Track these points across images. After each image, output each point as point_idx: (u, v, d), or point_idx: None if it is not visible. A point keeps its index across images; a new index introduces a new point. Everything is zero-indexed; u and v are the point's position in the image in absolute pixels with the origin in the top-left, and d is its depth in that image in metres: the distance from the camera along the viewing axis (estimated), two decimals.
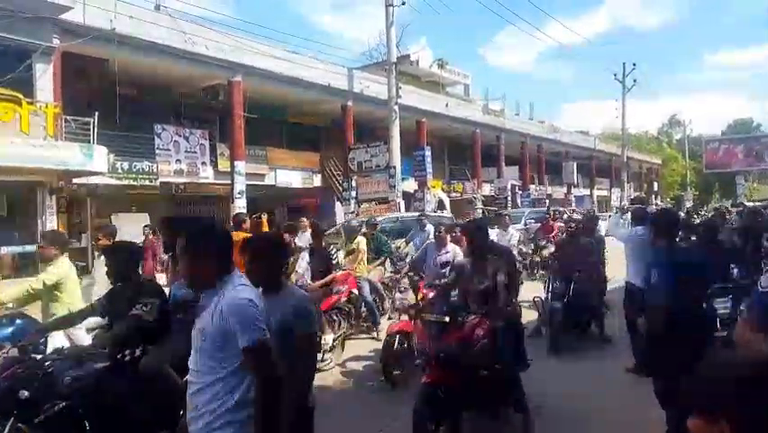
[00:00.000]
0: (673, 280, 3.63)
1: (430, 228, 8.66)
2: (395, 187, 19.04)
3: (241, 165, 17.62)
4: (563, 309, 6.48)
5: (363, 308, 7.62)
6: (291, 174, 20.70)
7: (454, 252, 6.71)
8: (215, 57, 16.41)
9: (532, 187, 33.44)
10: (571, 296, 6.59)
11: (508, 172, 31.61)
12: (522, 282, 6.94)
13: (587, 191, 40.95)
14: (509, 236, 10.84)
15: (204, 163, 17.77)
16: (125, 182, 15.70)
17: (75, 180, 13.92)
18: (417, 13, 77.56)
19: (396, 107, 19.02)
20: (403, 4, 19.02)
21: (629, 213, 14.61)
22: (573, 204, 36.11)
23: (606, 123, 55.06)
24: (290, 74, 18.55)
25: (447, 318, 4.18)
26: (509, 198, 29.76)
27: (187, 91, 18.49)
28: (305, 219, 9.89)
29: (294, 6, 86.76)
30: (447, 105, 26.75)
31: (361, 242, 8.10)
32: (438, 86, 30.52)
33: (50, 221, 13.00)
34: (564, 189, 37.91)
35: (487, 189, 30.21)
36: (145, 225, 12.94)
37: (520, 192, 31.33)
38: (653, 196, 49.06)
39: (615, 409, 4.75)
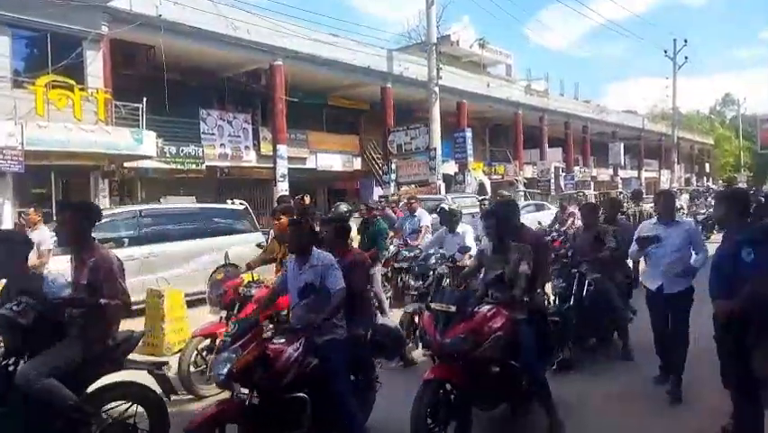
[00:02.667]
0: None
1: (421, 214, 8.15)
2: (435, 169, 18.94)
3: (283, 149, 17.85)
4: (574, 315, 5.21)
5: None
6: (332, 157, 20.84)
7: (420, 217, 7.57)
8: (257, 41, 16.59)
9: (576, 169, 32.65)
10: (585, 297, 5.37)
11: (552, 154, 30.93)
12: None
13: (634, 173, 39.68)
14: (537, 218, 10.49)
15: (247, 147, 18.11)
16: (173, 166, 16.15)
17: (126, 164, 14.42)
18: None
19: (436, 89, 18.83)
20: None
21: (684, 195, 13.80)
22: (620, 186, 35.10)
23: (655, 102, 52.89)
24: (330, 57, 18.59)
25: (453, 308, 3.68)
26: (552, 181, 29.16)
27: (230, 76, 18.79)
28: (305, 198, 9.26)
29: None
30: (488, 85, 26.28)
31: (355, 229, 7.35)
32: (479, 66, 30.00)
33: (103, 204, 13.53)
34: (610, 171, 36.86)
35: (529, 172, 29.66)
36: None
37: (564, 174, 30.66)
38: (705, 177, 47.18)
39: None
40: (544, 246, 4.82)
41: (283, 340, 3.51)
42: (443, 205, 7.07)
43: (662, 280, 4.67)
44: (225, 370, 3.08)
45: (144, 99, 14.03)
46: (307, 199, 8.12)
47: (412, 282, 5.91)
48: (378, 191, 20.04)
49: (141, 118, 13.93)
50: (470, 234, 6.48)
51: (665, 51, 34.57)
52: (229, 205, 10.07)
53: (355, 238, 7.17)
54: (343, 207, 7.36)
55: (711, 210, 16.24)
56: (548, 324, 4.46)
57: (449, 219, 6.53)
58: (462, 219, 7.23)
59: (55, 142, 11.58)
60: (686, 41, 34.27)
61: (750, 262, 3.49)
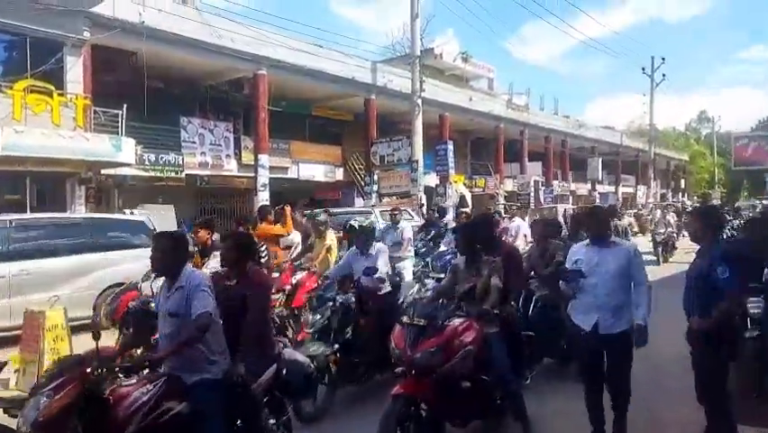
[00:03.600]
0: (741, 274, 3.64)
1: (404, 225, 7.98)
2: (416, 181, 18.99)
3: (264, 158, 17.75)
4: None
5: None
6: (314, 168, 20.79)
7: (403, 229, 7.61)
8: (241, 50, 16.53)
9: (555, 183, 33.04)
10: (533, 315, 5.26)
11: (532, 168, 31.27)
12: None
13: (612, 188, 40.32)
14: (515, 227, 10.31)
15: (228, 156, 17.96)
16: (152, 174, 15.93)
17: (103, 171, 14.19)
18: (443, 5, 77.03)
19: (419, 101, 18.93)
20: None
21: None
22: (598, 200, 35.60)
23: (632, 118, 53.96)
24: (314, 67, 18.60)
25: (423, 322, 3.62)
26: (532, 194, 29.46)
27: (212, 84, 18.69)
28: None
29: None
30: (471, 99, 26.53)
31: (330, 236, 7.09)
32: (461, 79, 30.29)
33: (79, 211, 13.30)
34: (589, 186, 37.40)
35: (509, 185, 29.94)
36: None
37: (543, 188, 30.99)
38: (680, 193, 48.11)
39: None
40: (516, 260, 4.72)
41: (134, 381, 2.93)
42: (351, 222, 5.80)
43: (596, 315, 3.90)
44: (31, 419, 2.55)
45: (124, 106, 13.86)
46: (288, 209, 8.07)
47: (310, 317, 4.98)
48: (360, 202, 20.02)
49: (120, 125, 13.75)
50: (383, 255, 5.58)
51: (643, 69, 35.33)
52: (126, 216, 9.51)
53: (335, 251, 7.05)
54: (323, 216, 7.26)
55: (670, 229, 15.97)
56: (521, 337, 4.43)
57: (360, 238, 5.57)
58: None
59: (31, 148, 11.35)
60: (663, 59, 35.11)
61: (725, 279, 3.56)
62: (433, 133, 23.58)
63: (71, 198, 13.23)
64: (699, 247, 3.91)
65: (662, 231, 15.30)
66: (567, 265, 4.13)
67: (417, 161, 19.12)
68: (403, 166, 19.99)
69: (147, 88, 15.00)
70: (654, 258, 14.55)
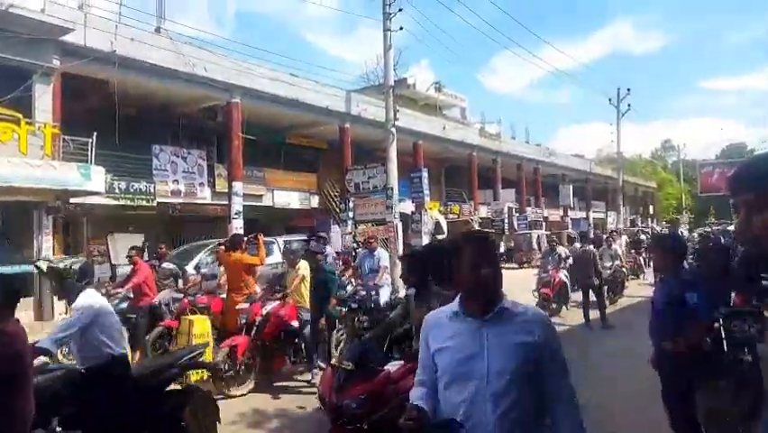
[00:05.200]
0: (710, 299, 3.70)
1: (380, 253, 8.04)
2: (392, 208, 19.01)
3: (238, 186, 17.62)
4: None
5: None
6: (289, 195, 20.71)
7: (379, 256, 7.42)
8: (214, 78, 16.52)
9: (528, 209, 33.51)
10: None
11: (505, 195, 31.71)
12: None
13: (583, 214, 41.08)
14: None
15: (201, 184, 17.77)
16: (122, 202, 15.65)
17: (72, 200, 13.88)
18: (416, 37, 78.65)
19: (393, 130, 19.07)
20: (400, 29, 19.24)
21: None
22: (570, 226, 36.16)
23: (601, 146, 55.40)
24: (288, 96, 18.68)
25: (351, 365, 3.28)
26: (506, 221, 29.80)
27: (185, 112, 18.59)
28: (163, 246, 9.97)
29: (292, 29, 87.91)
30: (444, 127, 26.92)
31: (303, 266, 7.01)
32: (435, 109, 30.77)
33: (46, 241, 12.94)
34: (561, 212, 38.01)
35: (484, 211, 30.25)
36: None
37: (517, 214, 31.39)
38: (649, 219, 49.18)
39: None
40: None
41: None
42: (39, 262, 4.26)
43: None
44: None
45: (94, 134, 13.64)
46: (261, 238, 7.96)
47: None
48: (335, 229, 19.93)
49: (90, 153, 13.52)
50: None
51: (609, 100, 36.37)
52: None
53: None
54: (296, 245, 7.21)
55: (618, 263, 12.88)
56: None
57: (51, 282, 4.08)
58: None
59: None
60: (629, 89, 36.19)
61: (694, 305, 3.63)
62: (407, 160, 23.77)
63: (38, 227, 12.88)
64: (660, 276, 4.00)
65: (608, 265, 11.97)
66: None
67: (392, 189, 19.17)
68: (378, 193, 19.99)
69: (119, 116, 14.82)
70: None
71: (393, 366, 3.54)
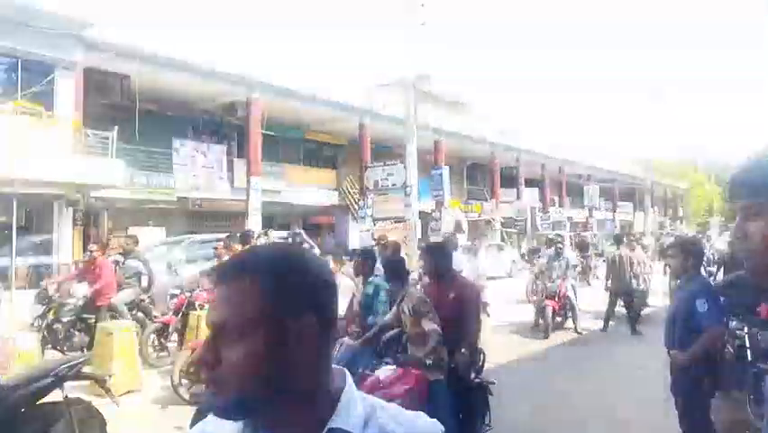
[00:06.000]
0: (719, 309, 3.51)
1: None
2: (411, 206, 18.87)
3: (257, 181, 17.68)
4: None
5: None
6: (308, 191, 20.73)
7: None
8: (234, 74, 16.59)
9: (552, 209, 32.99)
10: None
11: (528, 194, 31.26)
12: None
13: (609, 215, 40.27)
14: (478, 264, 9.73)
15: (221, 179, 17.88)
16: (142, 196, 15.84)
17: (93, 193, 14.08)
18: (441, 33, 78.20)
19: (413, 126, 18.93)
20: (423, 24, 19.04)
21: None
22: (595, 227, 35.51)
23: (631, 145, 54.42)
24: (308, 91, 18.67)
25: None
26: (529, 220, 29.38)
27: (206, 107, 18.72)
28: (130, 241, 8.89)
29: (314, 23, 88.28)
30: (465, 125, 26.65)
31: None
32: (457, 105, 30.46)
33: (67, 233, 13.15)
34: (586, 213, 37.36)
35: (506, 211, 29.89)
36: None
37: (540, 214, 30.93)
38: (679, 221, 48.05)
39: None
40: (470, 299, 4.04)
41: None
42: None
43: None
44: None
45: (115, 128, 13.82)
46: (273, 234, 7.91)
47: None
48: (354, 226, 19.89)
49: (111, 147, 13.69)
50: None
51: (641, 97, 35.56)
52: None
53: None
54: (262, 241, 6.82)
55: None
56: (471, 388, 3.85)
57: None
58: None
59: (19, 170, 11.23)
60: (661, 86, 35.37)
61: (704, 312, 3.46)
62: (428, 158, 23.59)
63: (59, 220, 13.09)
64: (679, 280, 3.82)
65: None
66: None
67: (411, 186, 19.03)
68: (397, 191, 19.90)
69: (139, 111, 15.01)
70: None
71: (383, 372, 3.44)
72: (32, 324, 7.26)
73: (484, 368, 4.13)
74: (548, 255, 10.24)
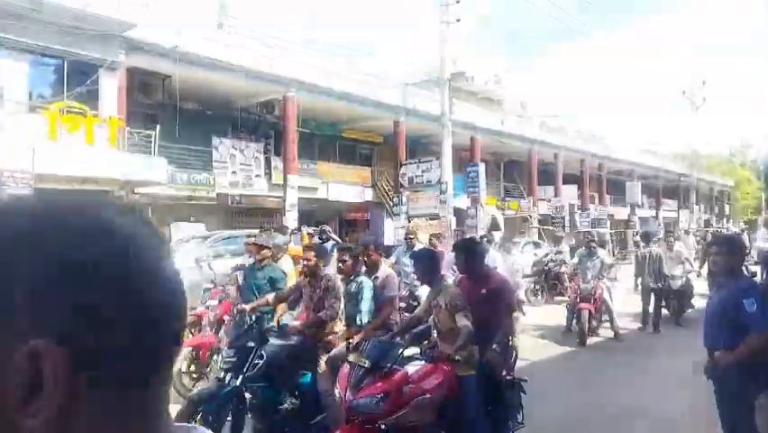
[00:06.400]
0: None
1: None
2: (446, 203, 18.77)
3: (293, 178, 17.90)
4: None
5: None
6: (343, 188, 20.86)
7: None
8: (271, 72, 16.82)
9: (592, 206, 32.27)
10: None
11: (566, 191, 30.63)
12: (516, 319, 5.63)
13: (652, 212, 39.12)
14: (511, 261, 9.18)
15: (258, 176, 18.19)
16: (184, 192, 16.25)
17: (137, 190, 14.52)
18: (478, 28, 77.45)
19: (448, 123, 18.81)
20: (458, 21, 18.88)
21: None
22: (637, 225, 34.57)
23: (675, 141, 52.72)
24: (344, 90, 18.77)
25: (368, 363, 3.19)
26: (567, 218, 28.80)
27: (244, 105, 19.05)
28: None
29: (351, 22, 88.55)
30: (502, 121, 26.32)
31: (287, 261, 6.41)
32: (494, 102, 30.13)
33: None
34: (628, 210, 36.40)
35: (544, 208, 29.39)
36: None
37: (579, 211, 30.29)
38: (725, 219, 46.29)
39: None
40: (503, 294, 3.97)
41: None
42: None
43: None
44: None
45: (157, 126, 14.21)
46: (305, 232, 7.99)
47: None
48: (389, 223, 19.92)
49: (153, 145, 14.08)
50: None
51: (684, 92, 34.42)
52: None
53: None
54: (279, 240, 6.70)
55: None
56: (502, 385, 3.80)
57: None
58: None
59: (66, 167, 11.70)
60: (704, 81, 34.13)
61: (753, 312, 3.33)
62: (464, 154, 23.44)
63: None
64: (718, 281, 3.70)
65: (676, 273, 9.71)
66: None
67: (446, 183, 18.92)
68: (432, 188, 19.83)
69: (180, 109, 15.37)
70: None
71: (413, 366, 3.44)
72: None
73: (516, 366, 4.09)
74: (580, 255, 9.45)
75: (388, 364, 3.24)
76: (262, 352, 3.96)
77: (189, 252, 10.52)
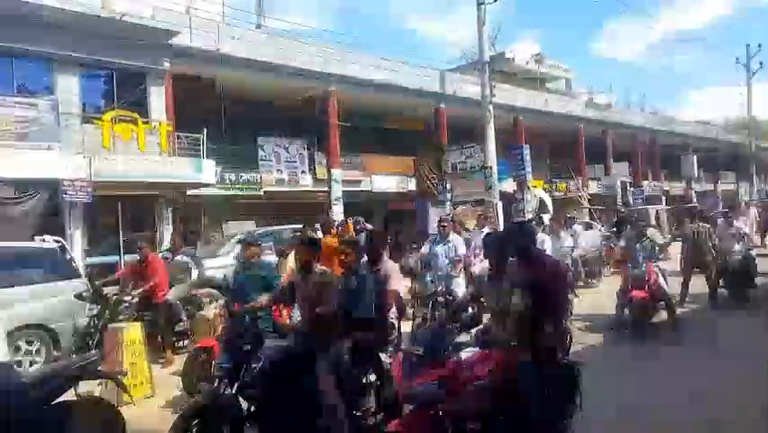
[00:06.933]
0: None
1: (456, 240, 6.92)
2: (491, 188, 18.52)
3: (337, 173, 18.09)
4: None
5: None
6: (386, 179, 20.92)
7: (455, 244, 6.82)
8: (311, 69, 17.04)
9: (645, 183, 31.17)
10: None
11: (617, 168, 29.72)
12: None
13: (710, 186, 37.41)
14: (563, 243, 8.89)
15: (303, 172, 18.49)
16: (232, 192, 16.70)
17: (188, 192, 15.02)
18: (519, 7, 75.69)
19: (490, 107, 18.50)
20: (495, 1, 18.51)
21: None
22: (695, 199, 33.15)
23: (731, 111, 49.95)
24: (382, 81, 18.80)
25: (420, 350, 3.19)
26: (619, 196, 27.92)
27: (286, 104, 19.33)
28: (177, 237, 9.02)
29: (388, 13, 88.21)
30: (546, 101, 25.72)
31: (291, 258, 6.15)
32: (536, 82, 29.44)
33: (168, 230, 14.12)
34: (684, 185, 34.95)
35: (594, 187, 28.60)
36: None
37: (632, 189, 29.32)
38: None
39: None
40: (557, 278, 3.82)
41: None
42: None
43: None
44: None
45: (204, 129, 14.62)
46: (350, 224, 8.06)
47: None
48: (433, 211, 19.84)
49: (201, 148, 14.51)
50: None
51: (737, 59, 32.64)
52: (35, 243, 7.97)
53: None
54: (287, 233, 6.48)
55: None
56: (559, 369, 3.69)
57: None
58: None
59: (121, 174, 12.23)
60: (760, 45, 32.23)
61: None
62: (507, 137, 23.03)
63: (160, 219, 14.08)
64: None
65: (736, 249, 9.23)
66: None
67: (491, 168, 18.66)
68: (476, 173, 19.61)
69: (225, 111, 15.77)
70: None
71: (466, 353, 3.44)
72: (89, 324, 6.77)
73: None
74: (627, 237, 8.58)
75: (442, 351, 3.25)
76: (259, 355, 3.78)
77: (236, 249, 10.77)
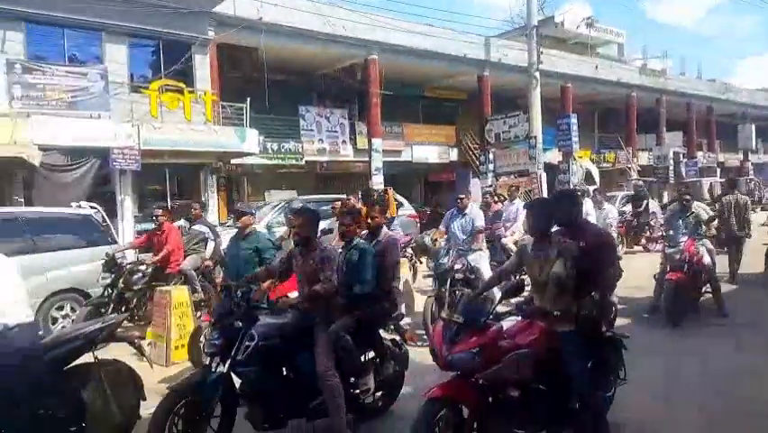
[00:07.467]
0: None
1: (474, 212, 6.68)
2: (535, 158, 18.10)
3: (378, 142, 18.00)
4: None
5: None
6: (427, 149, 20.71)
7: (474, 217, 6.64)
8: (352, 36, 16.84)
9: (699, 154, 29.84)
10: None
11: (670, 138, 28.48)
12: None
13: None
14: (604, 215, 8.71)
15: (344, 142, 18.50)
16: (275, 162, 16.90)
17: (232, 161, 15.27)
18: None
19: (536, 74, 17.94)
20: None
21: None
22: (751, 172, 31.56)
23: None
24: (424, 47, 18.42)
25: (461, 319, 3.19)
26: (671, 168, 26.83)
27: (327, 72, 19.26)
28: (197, 205, 8.82)
29: None
30: (597, 67, 24.71)
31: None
32: (586, 47, 28.24)
33: (212, 198, 14.45)
34: (741, 156, 33.26)
35: (644, 159, 27.55)
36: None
37: (685, 160, 28.12)
38: None
39: None
40: (603, 247, 3.71)
41: None
42: None
43: None
44: None
45: (248, 99, 14.74)
46: (390, 192, 8.02)
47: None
48: (475, 182, 19.58)
49: (245, 117, 14.65)
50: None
51: None
52: (71, 210, 8.03)
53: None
54: (298, 202, 6.27)
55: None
56: (603, 340, 3.65)
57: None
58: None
59: (168, 142, 12.51)
60: None
61: None
62: (554, 106, 22.35)
63: (204, 186, 14.40)
64: None
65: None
66: None
67: (536, 138, 18.20)
68: (520, 143, 19.17)
69: (267, 81, 15.82)
70: None
71: (508, 322, 3.42)
72: (104, 293, 6.75)
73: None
74: (671, 211, 7.88)
75: (482, 320, 3.24)
76: (252, 332, 3.63)
77: (275, 217, 10.84)
